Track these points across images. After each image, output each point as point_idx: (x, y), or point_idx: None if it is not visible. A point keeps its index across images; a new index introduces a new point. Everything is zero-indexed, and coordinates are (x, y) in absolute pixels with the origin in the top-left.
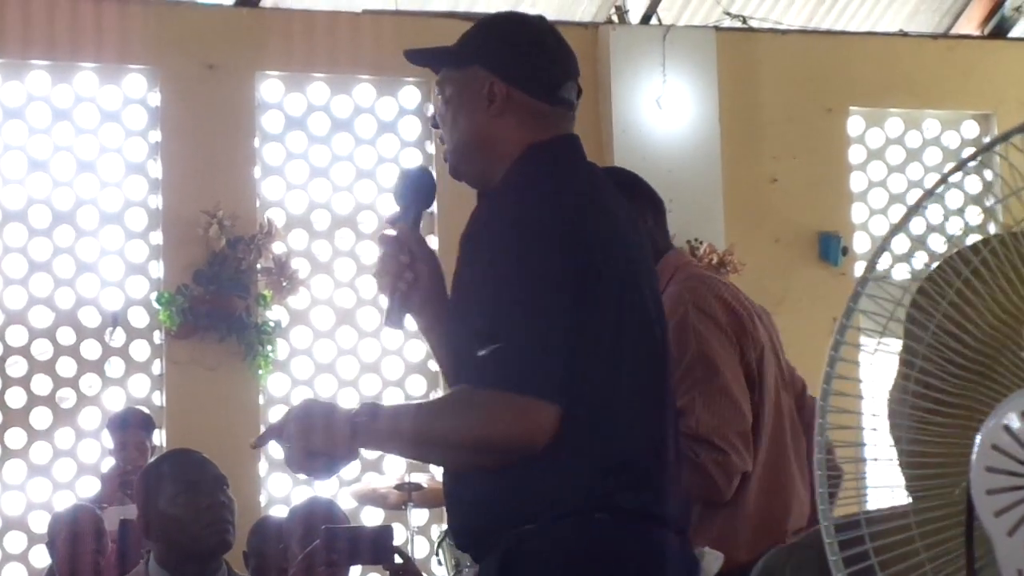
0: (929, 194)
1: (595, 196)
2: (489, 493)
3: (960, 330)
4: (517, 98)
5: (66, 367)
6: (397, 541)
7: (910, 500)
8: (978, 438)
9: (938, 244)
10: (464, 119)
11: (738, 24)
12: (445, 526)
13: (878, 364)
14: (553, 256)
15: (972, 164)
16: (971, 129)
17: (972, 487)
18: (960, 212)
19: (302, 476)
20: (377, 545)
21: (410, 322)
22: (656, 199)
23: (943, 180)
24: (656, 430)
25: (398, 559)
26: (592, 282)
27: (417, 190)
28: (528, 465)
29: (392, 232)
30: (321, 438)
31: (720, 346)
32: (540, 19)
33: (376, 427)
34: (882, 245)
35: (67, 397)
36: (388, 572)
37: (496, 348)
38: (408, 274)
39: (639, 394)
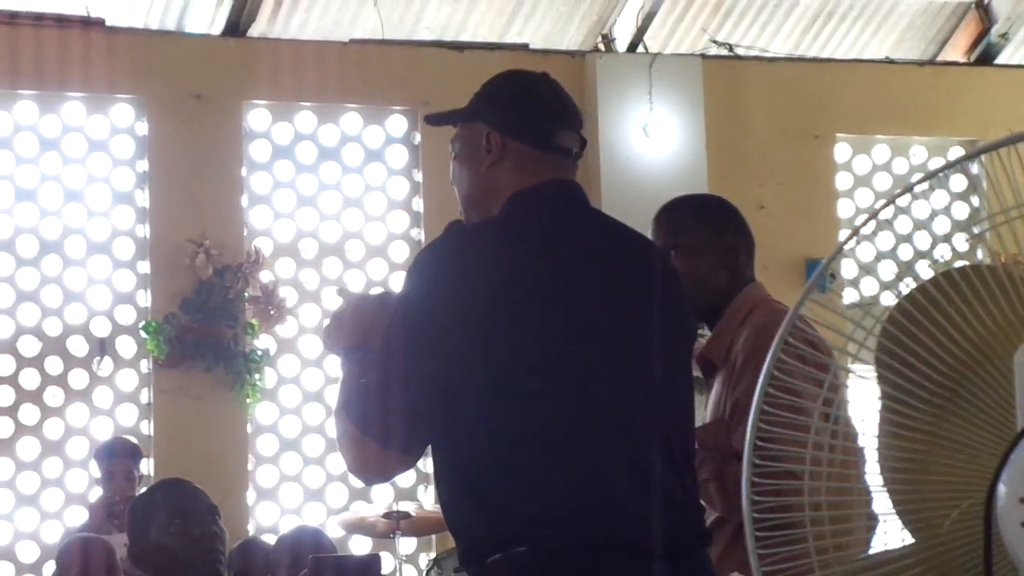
0: (880, 212)
1: (504, 249)
2: (458, 523)
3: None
4: (512, 147)
5: (54, 396)
6: (385, 570)
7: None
8: (1007, 471)
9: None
10: (467, 171)
11: (724, 52)
12: (433, 555)
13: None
14: (424, 306)
15: (922, 185)
16: (958, 155)
17: (998, 519)
18: (947, 238)
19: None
20: (365, 575)
21: None
22: (742, 231)
23: (899, 196)
24: (598, 462)
25: None
26: (481, 333)
27: None
28: (463, 503)
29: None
30: (335, 336)
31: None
32: (539, 75)
33: (347, 370)
34: (834, 255)
35: (54, 426)
36: None
37: (363, 383)
38: None
39: (558, 430)
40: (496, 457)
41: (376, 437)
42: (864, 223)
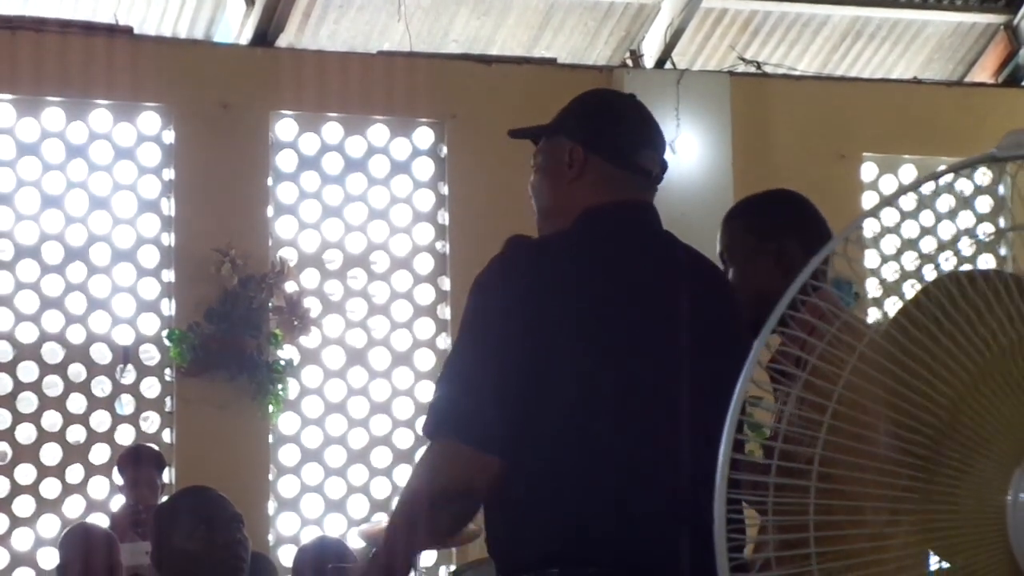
0: (850, 230)
1: (567, 265)
2: (493, 544)
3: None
4: (594, 163)
5: (76, 403)
6: None
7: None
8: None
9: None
10: (548, 184)
11: (752, 70)
12: (453, 567)
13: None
14: (488, 321)
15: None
16: (984, 177)
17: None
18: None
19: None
20: None
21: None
22: (803, 230)
23: (871, 212)
24: (641, 493)
25: None
26: (539, 350)
27: None
28: (502, 519)
29: None
30: None
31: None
32: (627, 95)
33: (386, 563)
34: (820, 257)
35: (77, 433)
36: None
37: (439, 396)
38: None
39: (603, 454)
40: (544, 477)
41: (476, 442)
42: (850, 228)
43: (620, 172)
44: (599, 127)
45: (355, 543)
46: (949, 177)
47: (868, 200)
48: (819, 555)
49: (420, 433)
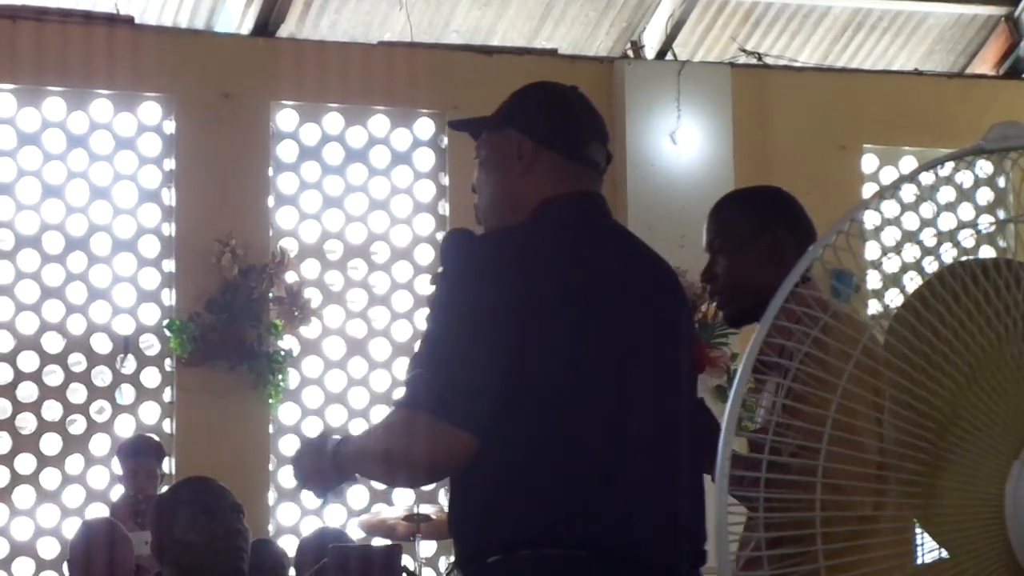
0: (844, 222)
1: (549, 255)
2: (464, 527)
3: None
4: (545, 156)
5: (77, 393)
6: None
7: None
8: None
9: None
10: (495, 177)
11: (753, 61)
12: (453, 558)
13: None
14: (466, 304)
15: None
16: (985, 169)
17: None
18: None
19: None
20: (387, 564)
21: None
22: (794, 224)
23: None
24: (612, 476)
25: None
26: (518, 336)
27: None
28: (474, 502)
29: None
30: (312, 478)
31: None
32: (570, 87)
33: (345, 462)
34: (817, 249)
35: (77, 423)
36: None
37: (417, 372)
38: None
39: (587, 437)
40: (515, 462)
41: (449, 417)
42: (842, 221)
43: (571, 165)
44: (548, 120)
45: (355, 533)
46: (945, 169)
47: (869, 192)
48: (804, 553)
49: (393, 405)
